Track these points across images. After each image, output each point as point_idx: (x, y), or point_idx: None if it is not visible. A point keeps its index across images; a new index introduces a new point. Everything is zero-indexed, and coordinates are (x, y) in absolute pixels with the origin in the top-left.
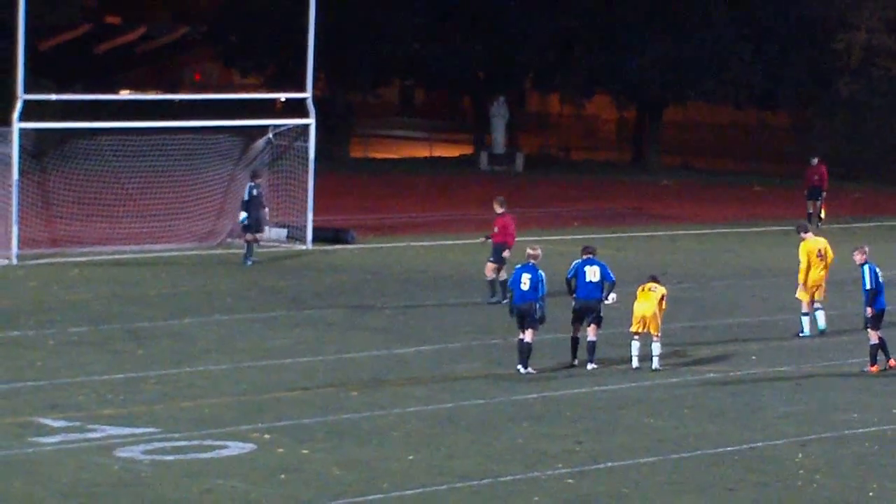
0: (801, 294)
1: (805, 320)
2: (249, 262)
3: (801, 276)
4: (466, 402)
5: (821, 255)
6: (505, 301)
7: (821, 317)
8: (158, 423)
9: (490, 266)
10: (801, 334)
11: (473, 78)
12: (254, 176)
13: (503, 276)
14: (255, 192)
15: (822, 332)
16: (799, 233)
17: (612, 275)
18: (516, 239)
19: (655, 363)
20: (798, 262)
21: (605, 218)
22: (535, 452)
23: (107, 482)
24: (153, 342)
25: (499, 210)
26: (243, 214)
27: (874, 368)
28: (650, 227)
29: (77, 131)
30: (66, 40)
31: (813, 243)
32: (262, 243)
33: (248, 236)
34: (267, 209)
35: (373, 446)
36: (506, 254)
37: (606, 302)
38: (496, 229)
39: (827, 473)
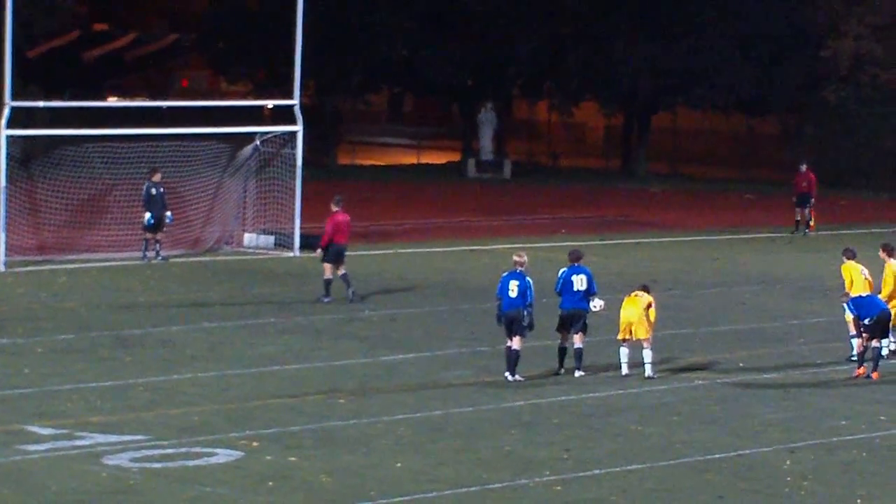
0: (849, 317)
1: (855, 343)
2: (146, 260)
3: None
4: (455, 410)
5: (864, 273)
6: (328, 300)
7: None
8: (146, 430)
9: (326, 266)
10: (852, 358)
11: (462, 85)
12: (152, 175)
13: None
14: (153, 191)
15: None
16: (843, 256)
17: (595, 286)
18: (348, 239)
19: (648, 370)
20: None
21: (593, 225)
22: (524, 460)
23: (95, 490)
24: (141, 349)
25: (333, 209)
26: (147, 214)
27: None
28: (638, 235)
29: (65, 138)
30: (54, 47)
31: (856, 264)
32: (243, 249)
33: (149, 235)
34: (169, 212)
35: (361, 454)
36: (318, 252)
37: (594, 309)
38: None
39: (815, 480)
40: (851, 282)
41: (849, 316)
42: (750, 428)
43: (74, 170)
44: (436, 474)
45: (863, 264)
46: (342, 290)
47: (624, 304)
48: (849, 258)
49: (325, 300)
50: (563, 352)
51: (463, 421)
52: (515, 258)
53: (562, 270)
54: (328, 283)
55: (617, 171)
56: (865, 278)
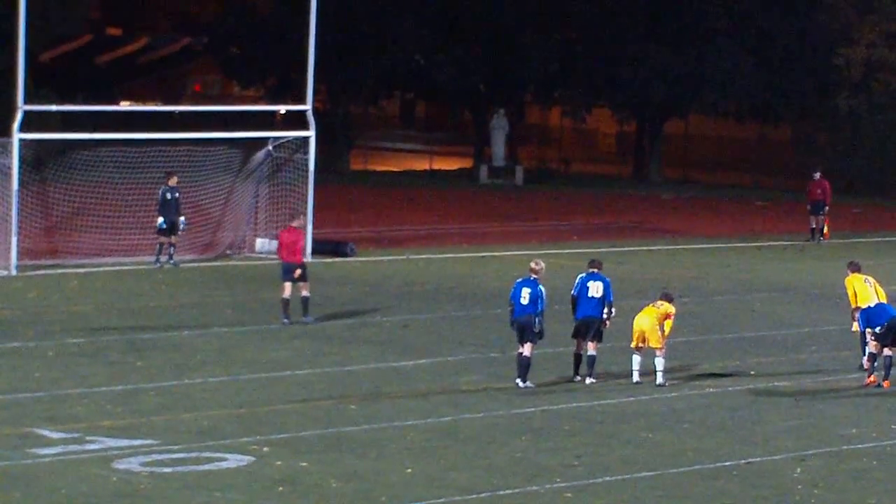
0: (856, 327)
1: (866, 351)
2: (158, 265)
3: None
4: (465, 416)
5: (869, 283)
6: (287, 321)
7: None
8: (157, 435)
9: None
10: (863, 366)
11: (474, 91)
12: (168, 179)
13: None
14: (168, 195)
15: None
16: (848, 269)
17: (611, 294)
18: (302, 256)
19: (660, 378)
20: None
21: (605, 232)
22: (534, 466)
23: (105, 494)
24: (152, 354)
25: (294, 224)
26: (160, 219)
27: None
28: (650, 241)
29: (77, 142)
30: (67, 51)
31: (859, 276)
32: (255, 255)
33: (163, 238)
34: (183, 217)
35: (371, 459)
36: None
37: (604, 317)
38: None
39: (825, 488)
40: (855, 294)
41: (856, 326)
42: (760, 435)
43: (86, 174)
44: (446, 480)
45: (871, 274)
46: (353, 303)
47: (641, 312)
48: (853, 271)
49: (284, 321)
50: (577, 359)
51: (474, 427)
52: (532, 265)
53: (580, 275)
54: (285, 302)
55: (629, 177)
56: (871, 287)
